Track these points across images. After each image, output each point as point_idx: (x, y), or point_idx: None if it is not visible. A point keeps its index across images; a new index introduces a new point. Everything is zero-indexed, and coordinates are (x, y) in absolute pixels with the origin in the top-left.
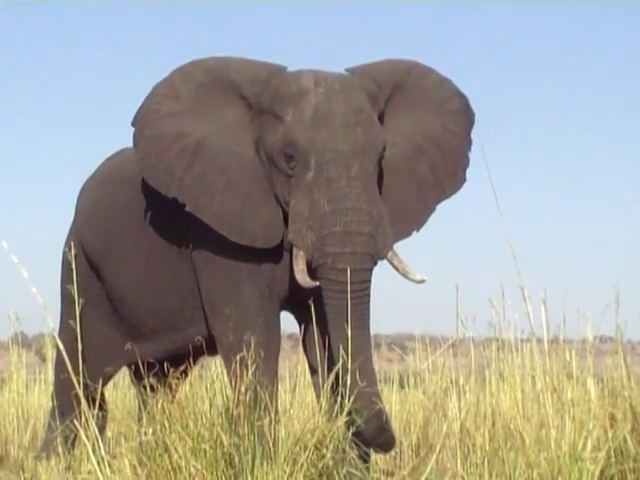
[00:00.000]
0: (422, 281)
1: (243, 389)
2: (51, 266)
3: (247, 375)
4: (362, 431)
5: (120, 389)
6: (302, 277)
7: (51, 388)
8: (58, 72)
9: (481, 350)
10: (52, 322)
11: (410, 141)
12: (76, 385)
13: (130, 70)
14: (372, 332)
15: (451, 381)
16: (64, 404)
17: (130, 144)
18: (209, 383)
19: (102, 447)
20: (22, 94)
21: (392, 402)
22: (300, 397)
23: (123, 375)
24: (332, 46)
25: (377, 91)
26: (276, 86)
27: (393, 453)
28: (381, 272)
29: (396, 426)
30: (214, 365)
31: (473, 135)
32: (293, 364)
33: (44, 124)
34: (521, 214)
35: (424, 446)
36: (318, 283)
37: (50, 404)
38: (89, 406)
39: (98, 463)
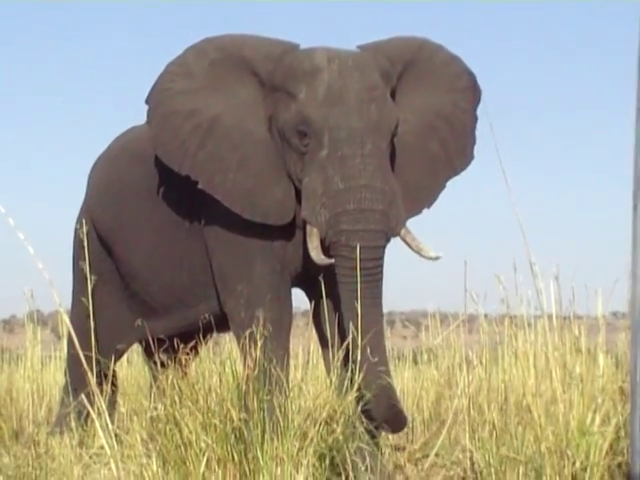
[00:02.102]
0: (437, 258)
1: (253, 365)
2: (62, 244)
3: (257, 351)
4: (372, 410)
5: (134, 366)
6: (316, 254)
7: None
8: (75, 50)
9: (494, 326)
10: (58, 297)
11: (421, 118)
12: (84, 362)
13: (144, 48)
14: (387, 309)
15: (465, 357)
16: (76, 380)
17: (141, 121)
18: (223, 359)
19: (110, 423)
20: (37, 71)
21: (405, 378)
22: (313, 373)
23: (136, 352)
24: (341, 24)
25: (389, 68)
26: (289, 63)
27: (405, 429)
28: (395, 250)
29: (409, 402)
30: (226, 341)
31: (481, 112)
32: (307, 340)
33: (55, 102)
34: (532, 192)
35: (436, 421)
36: (333, 260)
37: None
38: (100, 382)
39: (107, 441)
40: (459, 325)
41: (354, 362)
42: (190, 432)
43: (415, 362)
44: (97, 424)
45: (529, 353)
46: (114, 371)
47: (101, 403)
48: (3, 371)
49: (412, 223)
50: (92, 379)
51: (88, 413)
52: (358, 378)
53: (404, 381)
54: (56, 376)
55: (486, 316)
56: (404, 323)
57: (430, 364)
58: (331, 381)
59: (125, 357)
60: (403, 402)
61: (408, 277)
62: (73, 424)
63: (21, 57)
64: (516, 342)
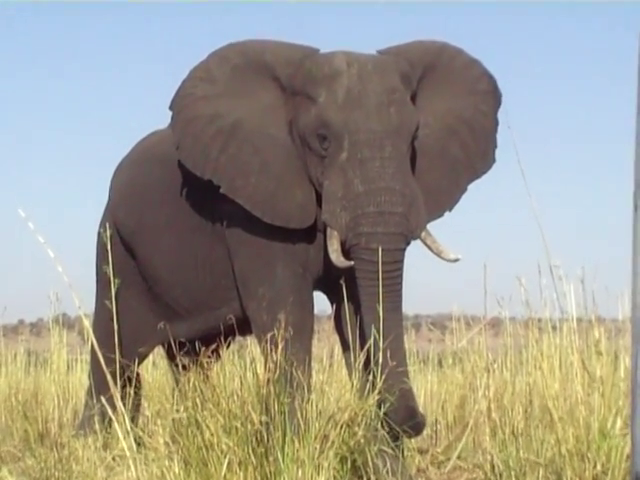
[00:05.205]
0: (456, 260)
1: (274, 368)
2: (87, 247)
3: (279, 354)
4: (391, 415)
5: (159, 369)
6: (336, 257)
7: None
8: (99, 53)
9: (518, 329)
10: (78, 300)
11: (442, 121)
12: (103, 365)
13: (169, 54)
14: (413, 312)
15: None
16: (100, 383)
17: (163, 125)
18: (244, 362)
19: (129, 425)
20: (60, 73)
21: (430, 382)
22: (336, 376)
23: (161, 355)
24: (361, 29)
25: (409, 71)
26: (309, 68)
27: (429, 431)
28: (421, 253)
29: (433, 405)
30: (249, 344)
31: (500, 114)
32: (331, 344)
33: (78, 105)
34: (553, 194)
35: (460, 424)
36: (353, 263)
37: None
38: (124, 385)
39: (127, 443)
40: (482, 328)
41: (375, 365)
42: (212, 434)
43: (440, 365)
44: (117, 427)
45: (554, 356)
46: (138, 374)
47: (121, 406)
48: (29, 374)
49: (433, 226)
50: (114, 382)
51: None
52: (379, 381)
53: (428, 384)
54: (82, 379)
55: (512, 319)
56: (429, 326)
57: (455, 367)
58: (353, 384)
59: (150, 360)
60: (428, 405)
61: (435, 280)
62: (97, 426)
63: (43, 56)
64: (536, 345)
